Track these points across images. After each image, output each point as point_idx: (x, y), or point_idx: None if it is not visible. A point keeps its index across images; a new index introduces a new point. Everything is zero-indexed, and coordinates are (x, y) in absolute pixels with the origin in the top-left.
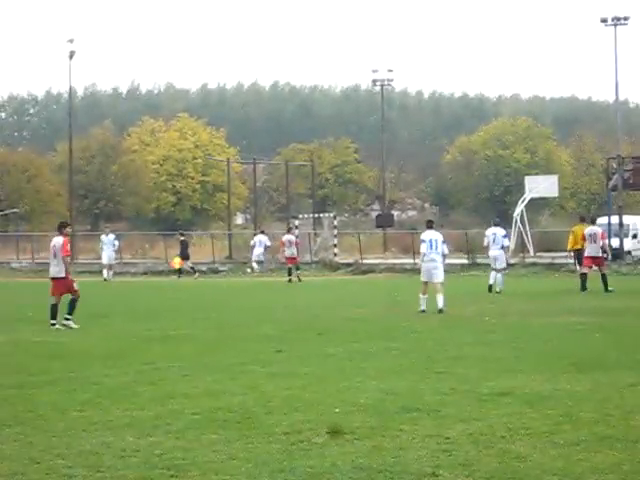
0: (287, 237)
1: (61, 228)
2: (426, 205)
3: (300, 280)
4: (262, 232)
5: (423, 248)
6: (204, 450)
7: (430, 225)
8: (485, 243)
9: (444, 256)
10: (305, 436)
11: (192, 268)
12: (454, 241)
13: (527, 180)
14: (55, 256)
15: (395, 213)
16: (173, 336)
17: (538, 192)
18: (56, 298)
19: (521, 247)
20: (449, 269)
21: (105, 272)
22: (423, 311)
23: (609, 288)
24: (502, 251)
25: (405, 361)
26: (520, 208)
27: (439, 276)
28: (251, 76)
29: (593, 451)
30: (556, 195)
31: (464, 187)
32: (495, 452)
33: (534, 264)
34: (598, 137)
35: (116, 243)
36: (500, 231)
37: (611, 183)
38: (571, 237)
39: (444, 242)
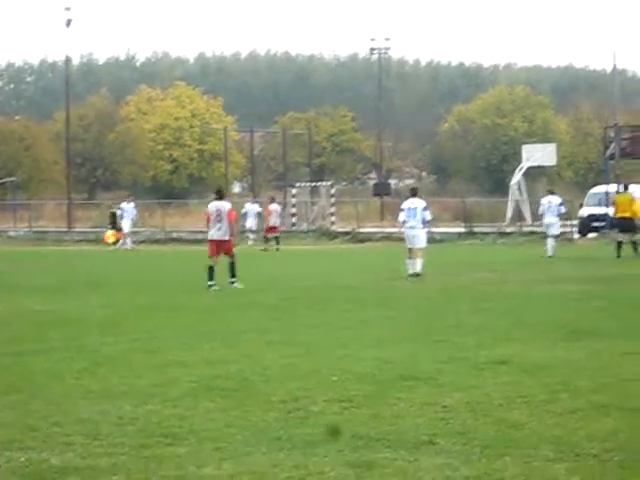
0: (274, 206)
1: (221, 193)
2: (423, 174)
3: (266, 250)
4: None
5: (401, 216)
6: (201, 418)
7: (414, 193)
8: (540, 211)
9: (426, 222)
10: (302, 404)
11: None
12: (451, 209)
13: (524, 149)
14: (220, 220)
15: (392, 182)
16: (171, 305)
17: (535, 161)
18: (215, 259)
19: (518, 216)
20: (447, 237)
21: (129, 241)
22: (411, 275)
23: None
24: (557, 218)
25: (402, 329)
26: (517, 177)
27: (420, 242)
28: (249, 45)
29: (590, 419)
30: (554, 164)
31: (461, 156)
32: (492, 420)
33: (532, 233)
34: (596, 106)
35: (135, 213)
36: (555, 199)
37: (608, 152)
38: (612, 206)
39: (426, 209)
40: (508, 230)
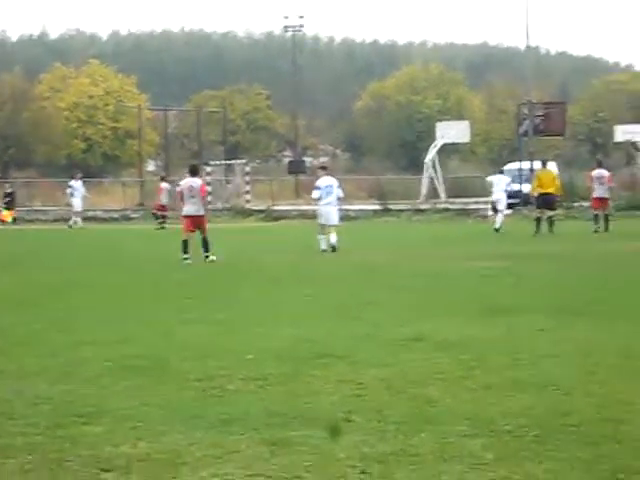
0: (164, 185)
1: (195, 171)
2: (338, 151)
3: (163, 228)
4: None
5: (316, 194)
6: (116, 397)
7: (325, 169)
8: (489, 186)
9: (339, 199)
10: (218, 383)
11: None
12: (367, 187)
13: (439, 126)
14: (194, 196)
15: (307, 159)
16: (86, 283)
17: (449, 138)
18: (189, 234)
19: (433, 193)
20: (362, 215)
21: (79, 220)
22: (324, 250)
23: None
24: (505, 194)
25: (318, 307)
26: (432, 154)
27: (335, 219)
28: (163, 22)
29: (504, 395)
30: (467, 141)
31: (376, 133)
32: (407, 397)
33: (446, 210)
34: (509, 83)
35: (84, 190)
36: (505, 178)
37: (522, 129)
38: (535, 182)
39: (339, 186)
40: (423, 207)
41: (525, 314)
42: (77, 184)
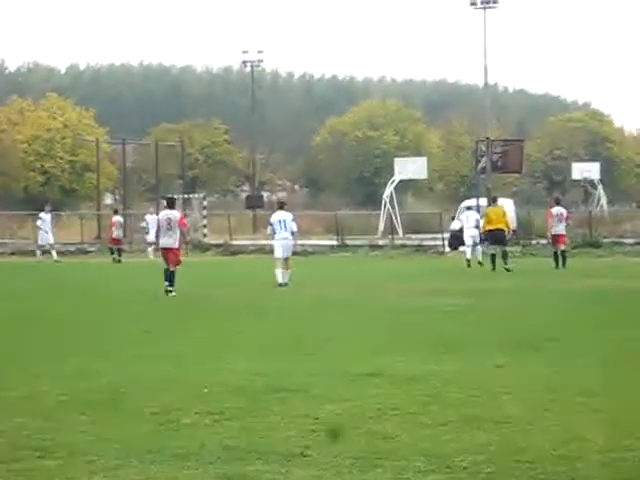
0: (117, 218)
1: (173, 203)
2: (296, 187)
3: (119, 262)
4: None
5: (269, 230)
6: (72, 431)
7: (281, 206)
8: (458, 226)
9: (293, 233)
10: (174, 417)
11: None
12: (324, 222)
13: (396, 162)
14: (170, 229)
15: (265, 194)
16: (42, 316)
17: (407, 174)
18: (169, 265)
19: (390, 229)
20: (319, 250)
21: (54, 253)
22: (280, 284)
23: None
24: (477, 230)
25: (274, 341)
26: (389, 190)
27: (289, 252)
28: (122, 56)
29: (460, 431)
30: (425, 177)
31: (334, 168)
32: (363, 432)
33: (403, 246)
34: (467, 120)
35: (51, 222)
36: (474, 214)
37: (479, 165)
38: (485, 219)
39: (293, 220)
40: (380, 243)
41: (482, 350)
42: (46, 217)
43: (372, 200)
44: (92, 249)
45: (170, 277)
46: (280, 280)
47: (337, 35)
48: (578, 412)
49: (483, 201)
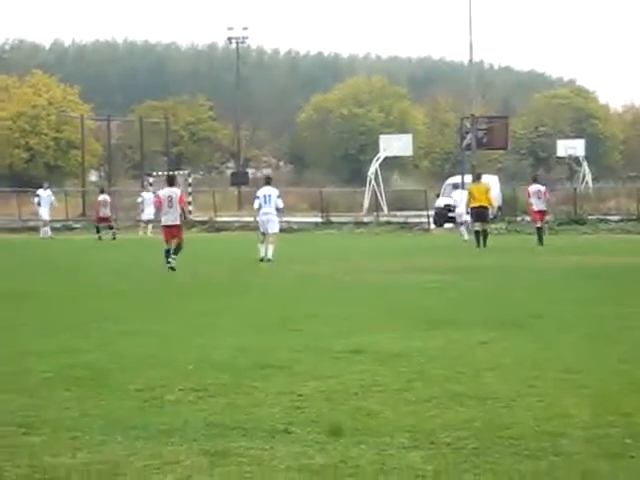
0: (103, 197)
1: (174, 180)
2: (281, 163)
3: (101, 239)
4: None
5: (256, 204)
6: (56, 407)
7: (267, 182)
8: (453, 203)
9: (278, 210)
10: (158, 393)
11: None
12: (309, 199)
13: (382, 139)
14: (171, 206)
15: (250, 171)
16: (26, 294)
17: (392, 151)
18: (169, 244)
19: (375, 206)
20: (304, 227)
21: (48, 229)
22: (262, 259)
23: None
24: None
25: (258, 318)
26: (374, 167)
27: (273, 228)
28: (107, 32)
29: (444, 408)
30: (410, 154)
31: (319, 145)
32: (347, 409)
33: (388, 223)
34: (452, 97)
35: (53, 199)
36: (465, 193)
37: (464, 142)
38: (468, 196)
39: (279, 197)
40: (365, 220)
41: (466, 327)
42: (44, 193)
43: (357, 177)
44: (77, 226)
45: (177, 248)
46: (262, 254)
47: (322, 12)
48: (562, 388)
49: (468, 178)
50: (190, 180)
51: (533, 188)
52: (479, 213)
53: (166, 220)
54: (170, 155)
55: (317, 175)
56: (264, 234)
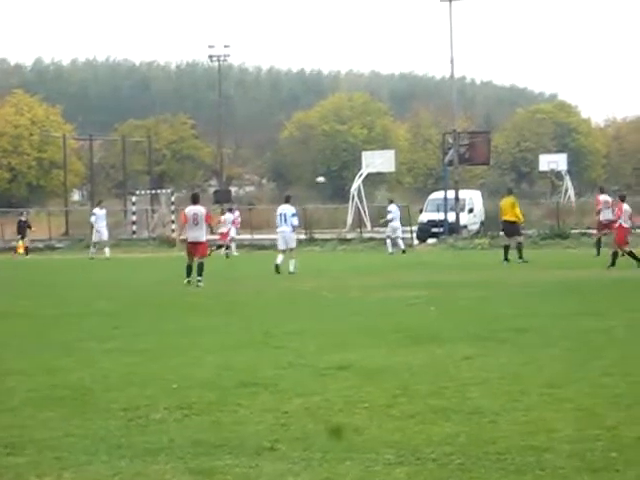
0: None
1: (197, 199)
2: (264, 181)
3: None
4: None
5: (277, 221)
6: (40, 427)
7: (287, 200)
8: (390, 217)
9: (293, 226)
10: (143, 412)
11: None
12: None
13: (364, 155)
14: (197, 223)
15: (233, 189)
16: (9, 313)
17: (375, 167)
18: (191, 260)
19: (358, 222)
20: None
21: (107, 250)
22: (277, 265)
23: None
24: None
25: (243, 336)
26: (357, 183)
27: (289, 243)
28: (88, 51)
29: (429, 423)
30: (393, 170)
31: (302, 162)
32: (332, 425)
33: (371, 239)
34: (434, 112)
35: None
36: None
37: (447, 158)
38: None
39: (293, 215)
40: (348, 236)
41: (450, 342)
42: (101, 212)
43: (340, 194)
44: (60, 245)
45: (199, 268)
46: (279, 262)
47: (304, 29)
48: (546, 403)
49: (451, 193)
50: (173, 199)
51: (603, 198)
52: (504, 227)
53: (191, 237)
54: (153, 174)
55: (300, 192)
56: (284, 250)
